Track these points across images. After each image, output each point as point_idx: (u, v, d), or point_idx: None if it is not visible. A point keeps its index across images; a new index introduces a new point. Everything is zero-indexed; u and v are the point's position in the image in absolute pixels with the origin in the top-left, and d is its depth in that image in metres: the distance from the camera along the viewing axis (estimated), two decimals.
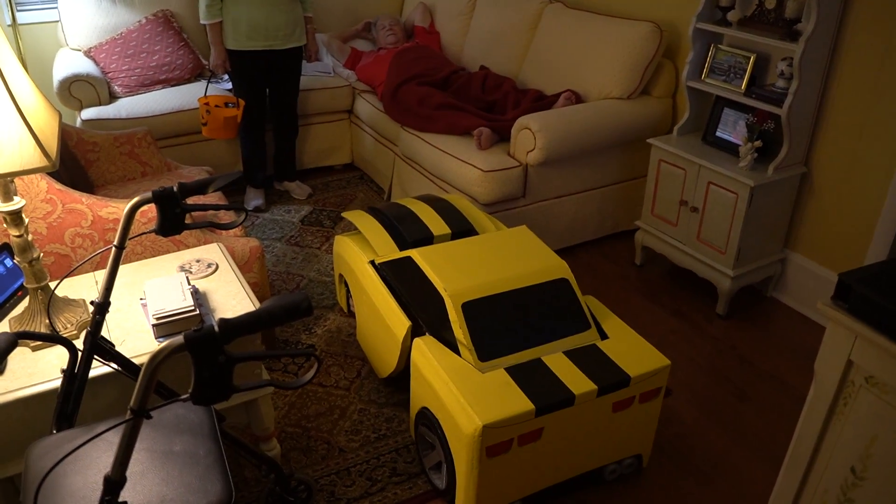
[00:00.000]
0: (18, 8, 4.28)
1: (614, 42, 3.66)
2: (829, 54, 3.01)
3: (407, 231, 2.82)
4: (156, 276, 2.30)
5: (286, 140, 4.27)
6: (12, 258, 2.13)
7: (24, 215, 1.85)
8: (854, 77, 2.99)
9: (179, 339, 1.19)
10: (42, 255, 2.01)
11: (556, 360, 2.22)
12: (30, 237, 1.88)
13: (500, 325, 2.25)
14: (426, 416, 2.27)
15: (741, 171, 3.09)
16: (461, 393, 2.07)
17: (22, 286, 2.11)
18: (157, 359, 1.20)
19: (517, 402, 2.04)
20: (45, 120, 1.77)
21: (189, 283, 2.16)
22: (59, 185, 2.41)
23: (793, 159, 3.15)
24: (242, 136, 4.05)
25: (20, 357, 1.93)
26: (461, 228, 2.86)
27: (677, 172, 3.34)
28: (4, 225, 1.84)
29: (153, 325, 2.02)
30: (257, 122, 4.04)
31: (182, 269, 2.36)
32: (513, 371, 2.16)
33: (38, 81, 4.32)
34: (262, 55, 3.85)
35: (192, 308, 2.05)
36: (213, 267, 2.37)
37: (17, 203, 1.81)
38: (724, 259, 3.19)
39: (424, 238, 2.79)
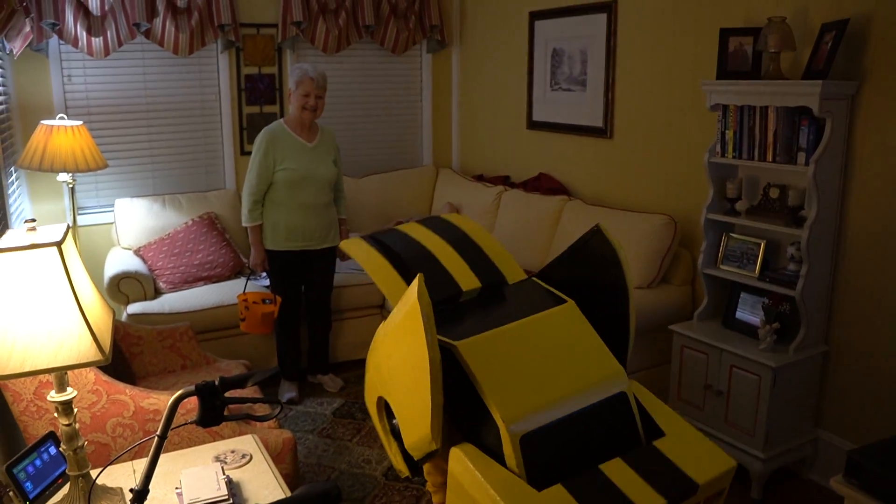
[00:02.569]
0: (79, 212, 4.65)
1: (632, 235, 3.86)
2: (835, 234, 3.17)
3: (429, 283, 2.15)
4: (192, 466, 2.36)
5: (320, 334, 4.42)
6: (57, 447, 2.22)
7: (73, 405, 1.96)
8: (863, 253, 3.12)
9: None
10: (85, 442, 2.10)
11: (617, 469, 1.96)
12: (77, 426, 1.98)
13: (558, 456, 2.00)
14: None
15: (762, 353, 3.15)
16: None
17: (63, 473, 2.18)
18: None
19: None
20: (101, 317, 1.93)
21: (224, 473, 2.22)
22: (105, 377, 2.54)
23: (812, 339, 3.21)
24: (278, 331, 4.21)
25: None
26: (491, 280, 2.40)
27: (700, 357, 3.40)
28: (55, 414, 1.95)
29: None
30: (293, 317, 4.22)
31: (217, 459, 2.42)
32: (573, 488, 1.89)
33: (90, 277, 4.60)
34: (298, 255, 4.10)
35: (227, 497, 2.09)
36: (248, 458, 2.42)
37: (69, 394, 1.94)
38: (754, 441, 3.17)
39: (451, 296, 2.32)
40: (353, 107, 5.58)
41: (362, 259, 2.44)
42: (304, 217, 4.04)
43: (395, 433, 2.30)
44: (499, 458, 1.97)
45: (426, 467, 2.22)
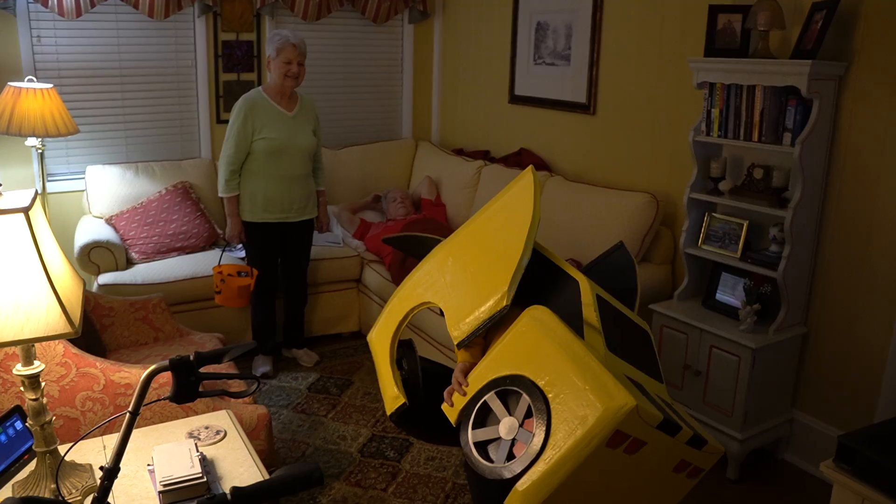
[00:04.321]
0: (49, 178, 4.52)
1: (613, 212, 3.83)
2: (818, 217, 3.16)
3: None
4: (164, 442, 2.30)
5: (296, 308, 4.36)
6: (23, 421, 2.14)
7: (41, 379, 1.89)
8: (845, 236, 3.12)
9: None
10: (53, 417, 2.03)
11: (653, 389, 2.09)
12: (44, 400, 1.91)
13: (620, 334, 2.15)
14: (517, 382, 1.98)
15: (742, 333, 3.15)
16: (602, 370, 1.85)
17: (29, 449, 2.11)
18: None
19: (646, 402, 1.86)
20: (71, 287, 1.86)
21: (197, 450, 2.16)
22: (74, 350, 2.47)
23: (792, 320, 3.21)
24: (254, 304, 4.15)
25: None
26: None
27: (679, 337, 3.39)
28: (22, 388, 1.88)
29: (159, 492, 2.00)
30: (269, 290, 4.15)
31: (191, 435, 2.36)
32: (632, 380, 2.00)
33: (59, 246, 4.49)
34: (276, 226, 4.02)
35: (200, 475, 2.04)
36: (222, 434, 2.37)
37: (36, 367, 1.87)
38: (732, 422, 3.18)
39: None
40: (331, 77, 5.47)
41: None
42: (282, 188, 3.96)
43: (400, 364, 2.47)
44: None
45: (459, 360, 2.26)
